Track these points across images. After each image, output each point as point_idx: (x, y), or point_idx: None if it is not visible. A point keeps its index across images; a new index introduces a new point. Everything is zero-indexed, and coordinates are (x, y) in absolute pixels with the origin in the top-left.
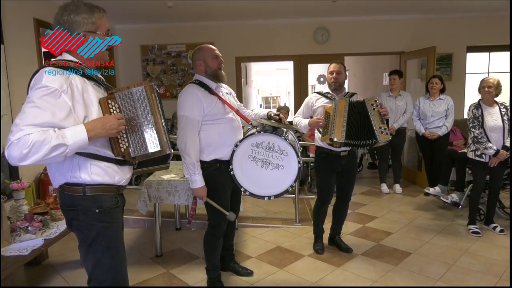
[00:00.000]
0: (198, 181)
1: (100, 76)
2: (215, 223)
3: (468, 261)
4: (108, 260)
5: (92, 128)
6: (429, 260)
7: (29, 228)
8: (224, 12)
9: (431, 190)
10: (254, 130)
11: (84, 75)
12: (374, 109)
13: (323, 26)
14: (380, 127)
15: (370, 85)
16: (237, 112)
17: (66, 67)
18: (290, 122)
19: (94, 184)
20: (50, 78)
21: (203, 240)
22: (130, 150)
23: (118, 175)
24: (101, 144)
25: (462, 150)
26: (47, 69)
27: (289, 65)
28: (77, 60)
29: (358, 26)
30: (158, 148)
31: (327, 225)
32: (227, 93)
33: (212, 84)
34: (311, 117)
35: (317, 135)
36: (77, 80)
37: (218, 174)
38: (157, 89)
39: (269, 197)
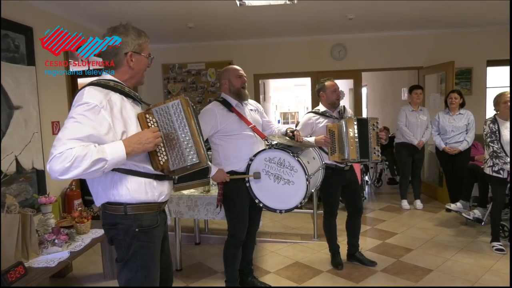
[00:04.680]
0: (211, 169)
1: (137, 94)
2: (234, 232)
3: (492, 279)
4: (141, 279)
5: (129, 144)
6: (451, 278)
7: (56, 241)
8: (242, 31)
9: (452, 206)
10: (267, 145)
11: (122, 93)
12: (373, 129)
13: (340, 43)
14: (374, 148)
15: (388, 100)
16: (253, 128)
17: (106, 85)
18: None
19: (135, 203)
20: (90, 95)
21: (223, 251)
22: (169, 163)
23: (157, 191)
24: (139, 159)
25: None
26: (87, 88)
27: (307, 81)
28: (116, 80)
29: (375, 42)
30: (197, 160)
31: (343, 242)
32: (251, 109)
33: (232, 101)
34: (309, 136)
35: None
36: (115, 97)
37: (235, 183)
38: (192, 104)
39: (280, 211)
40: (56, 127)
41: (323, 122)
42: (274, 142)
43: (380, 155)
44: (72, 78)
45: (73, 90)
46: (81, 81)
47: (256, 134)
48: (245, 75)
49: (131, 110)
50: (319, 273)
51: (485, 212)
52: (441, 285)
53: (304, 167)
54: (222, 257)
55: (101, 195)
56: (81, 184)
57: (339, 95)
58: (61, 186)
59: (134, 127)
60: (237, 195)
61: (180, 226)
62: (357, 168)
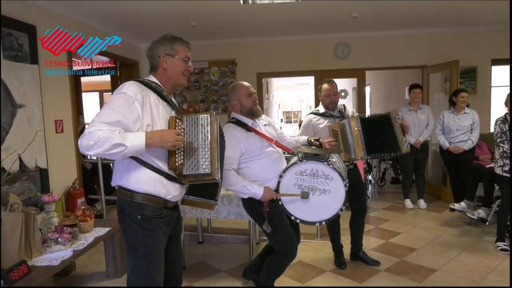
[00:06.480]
0: (258, 191)
1: (174, 101)
2: (288, 252)
3: (497, 279)
4: (144, 266)
5: (151, 137)
6: (455, 278)
7: (59, 239)
8: (245, 30)
9: (456, 206)
10: (296, 159)
11: (160, 95)
12: (397, 121)
13: (344, 41)
14: (402, 139)
15: (392, 98)
16: (277, 143)
17: (148, 85)
18: None
19: (141, 192)
20: (129, 88)
21: (272, 267)
22: (183, 167)
23: (165, 188)
24: (156, 155)
25: (489, 165)
26: (130, 81)
27: (310, 80)
28: (158, 82)
29: (379, 40)
30: (208, 171)
31: (346, 241)
32: (265, 125)
33: (248, 121)
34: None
35: None
36: (152, 95)
37: (277, 202)
38: (220, 124)
39: (320, 222)
40: (59, 125)
41: (323, 123)
42: (301, 155)
43: (408, 145)
44: (76, 77)
45: (76, 88)
46: (83, 80)
47: (279, 149)
48: (254, 91)
49: (162, 111)
50: (322, 272)
51: (489, 212)
52: (445, 285)
53: (340, 173)
54: (270, 270)
55: (117, 177)
56: (84, 183)
57: (332, 100)
58: (64, 184)
59: (160, 125)
60: (275, 209)
61: (183, 225)
62: (361, 167)
